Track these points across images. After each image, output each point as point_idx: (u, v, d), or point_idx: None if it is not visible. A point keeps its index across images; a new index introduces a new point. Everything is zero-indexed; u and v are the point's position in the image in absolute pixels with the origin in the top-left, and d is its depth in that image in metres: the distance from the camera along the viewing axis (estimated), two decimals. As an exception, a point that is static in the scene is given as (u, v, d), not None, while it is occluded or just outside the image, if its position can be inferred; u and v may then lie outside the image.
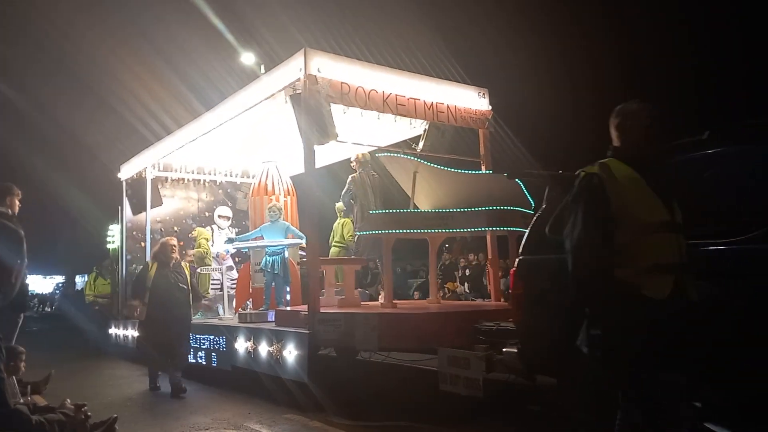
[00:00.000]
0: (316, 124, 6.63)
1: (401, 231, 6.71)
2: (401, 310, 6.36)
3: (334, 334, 6.15)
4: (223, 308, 9.36)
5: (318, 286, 6.54)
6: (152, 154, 10.84)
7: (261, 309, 8.40)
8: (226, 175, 12.00)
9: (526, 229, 6.84)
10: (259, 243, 8.29)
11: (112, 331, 11.96)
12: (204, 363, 8.23)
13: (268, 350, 6.79)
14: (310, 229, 6.72)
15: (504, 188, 6.80)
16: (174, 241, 7.73)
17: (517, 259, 4.69)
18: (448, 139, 8.06)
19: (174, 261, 7.63)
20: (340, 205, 8.84)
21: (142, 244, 12.13)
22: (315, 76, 6.57)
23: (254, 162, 11.12)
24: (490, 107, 8.12)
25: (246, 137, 9.40)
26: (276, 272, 8.38)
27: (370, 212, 6.81)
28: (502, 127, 8.03)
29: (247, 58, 17.15)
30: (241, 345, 7.36)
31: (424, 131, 8.07)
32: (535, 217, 4.70)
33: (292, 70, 6.79)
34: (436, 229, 6.71)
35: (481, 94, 8.09)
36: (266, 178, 9.64)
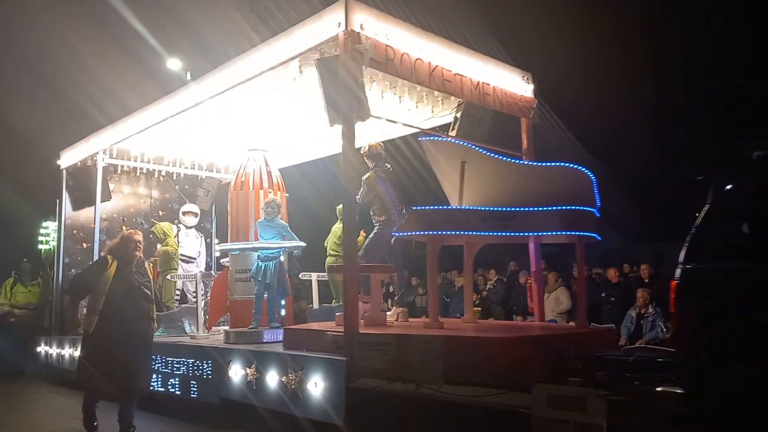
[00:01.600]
0: (353, 95, 5.28)
1: (454, 232, 5.43)
2: (466, 333, 5.05)
3: (380, 362, 4.77)
4: (196, 324, 7.73)
5: (356, 299, 5.14)
6: (106, 137, 9.04)
7: (250, 327, 6.87)
8: (188, 168, 10.30)
9: (594, 233, 5.80)
10: (250, 245, 6.77)
11: (42, 348, 9.97)
12: (178, 393, 6.60)
13: (280, 381, 5.31)
14: (347, 228, 5.30)
15: (574, 184, 5.67)
16: (139, 237, 6.03)
17: (678, 269, 3.50)
18: (485, 130, 6.87)
19: (137, 260, 6.00)
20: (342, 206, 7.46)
21: (85, 245, 10.25)
22: (358, 33, 5.21)
23: (227, 152, 9.53)
24: (533, 95, 7.01)
25: (228, 120, 7.86)
26: (269, 282, 6.88)
27: (414, 208, 5.48)
28: (551, 115, 6.92)
29: (173, 64, 15.49)
30: (237, 372, 5.82)
31: (456, 119, 6.85)
32: (704, 213, 3.54)
33: (325, 26, 5.40)
34: (496, 232, 5.47)
35: (526, 78, 6.96)
36: (252, 170, 8.11)
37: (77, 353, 8.62)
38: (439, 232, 5.41)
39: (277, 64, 5.99)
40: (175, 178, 10.93)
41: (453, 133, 6.79)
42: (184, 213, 9.21)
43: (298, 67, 6.07)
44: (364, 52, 5.20)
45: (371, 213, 6.67)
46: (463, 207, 5.61)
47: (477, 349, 4.57)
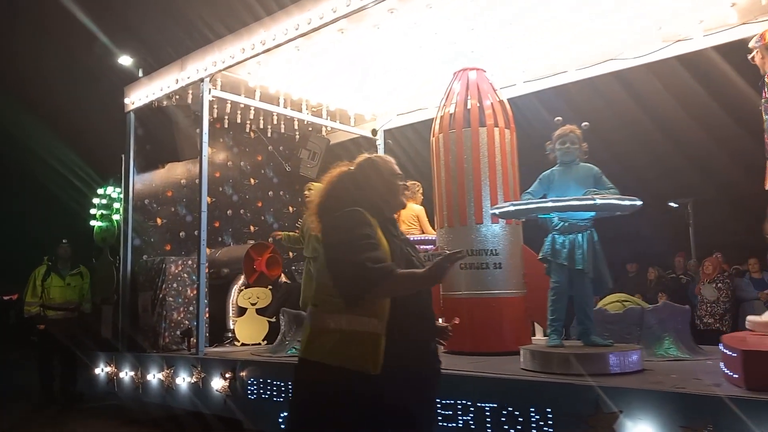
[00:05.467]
0: None
1: None
2: None
3: None
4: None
5: None
6: (222, 56, 6.00)
7: (551, 343, 4.06)
8: (307, 114, 7.30)
9: None
10: (572, 201, 3.93)
11: (101, 369, 6.85)
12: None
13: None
14: None
15: None
16: (401, 178, 2.88)
17: None
18: None
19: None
20: None
21: (159, 220, 7.22)
22: None
23: (388, 84, 6.57)
24: None
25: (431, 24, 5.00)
26: (581, 267, 4.09)
27: None
28: None
29: (125, 60, 12.50)
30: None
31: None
32: None
33: None
34: None
35: None
36: (477, 98, 5.24)
37: (221, 383, 5.64)
38: None
39: None
40: (270, 135, 7.93)
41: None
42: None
43: None
44: None
45: None
46: None
47: None
